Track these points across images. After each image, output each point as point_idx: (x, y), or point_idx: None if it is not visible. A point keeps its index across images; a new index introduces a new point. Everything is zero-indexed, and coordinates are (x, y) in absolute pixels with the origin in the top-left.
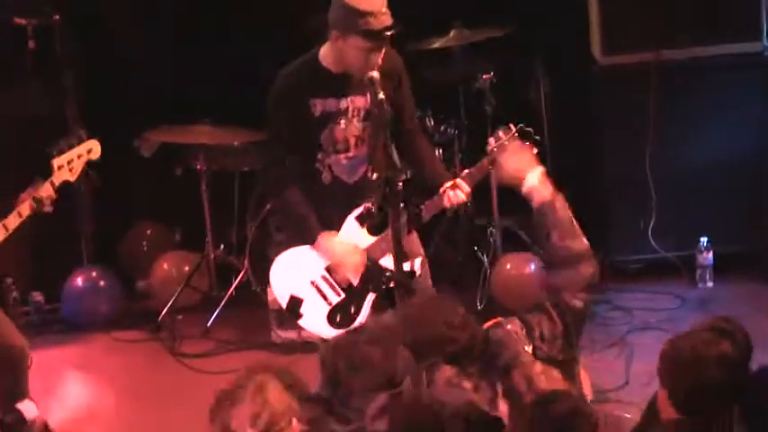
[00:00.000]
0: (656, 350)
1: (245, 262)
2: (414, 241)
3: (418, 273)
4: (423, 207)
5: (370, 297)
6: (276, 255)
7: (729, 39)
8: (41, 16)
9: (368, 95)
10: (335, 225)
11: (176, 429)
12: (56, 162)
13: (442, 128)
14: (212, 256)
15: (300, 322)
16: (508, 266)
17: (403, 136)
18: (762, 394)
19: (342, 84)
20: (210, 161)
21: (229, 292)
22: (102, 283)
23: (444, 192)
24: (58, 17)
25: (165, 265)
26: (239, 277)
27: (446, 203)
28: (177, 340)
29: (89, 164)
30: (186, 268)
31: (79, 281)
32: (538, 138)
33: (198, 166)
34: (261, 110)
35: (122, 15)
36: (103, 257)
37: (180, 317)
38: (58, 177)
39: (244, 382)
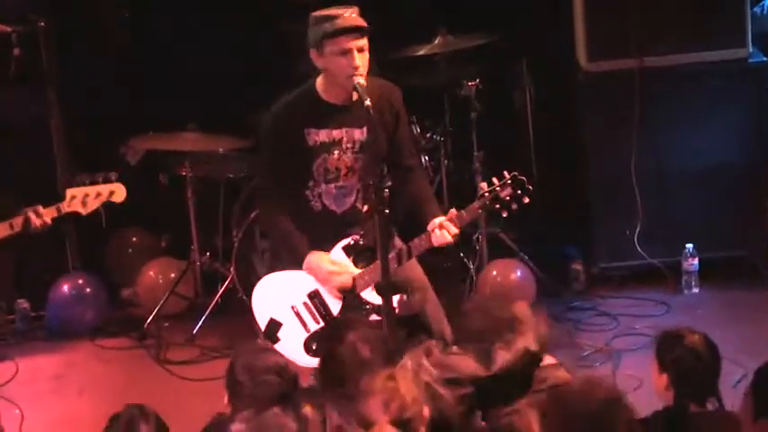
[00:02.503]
0: (642, 356)
1: (231, 269)
2: (414, 267)
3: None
4: (410, 244)
5: None
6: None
7: (714, 45)
8: (26, 24)
9: (364, 128)
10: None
11: None
12: (70, 191)
13: (428, 135)
14: (198, 263)
15: (277, 346)
16: (494, 273)
17: (401, 171)
18: None
19: (338, 115)
20: (196, 168)
21: (215, 300)
22: (87, 290)
23: (432, 231)
24: (43, 24)
25: (151, 273)
26: (225, 284)
27: (433, 242)
28: (163, 347)
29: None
30: (172, 275)
31: (65, 288)
32: (530, 187)
33: (183, 173)
34: (245, 118)
35: (108, 22)
36: (89, 264)
37: (166, 324)
38: (68, 206)
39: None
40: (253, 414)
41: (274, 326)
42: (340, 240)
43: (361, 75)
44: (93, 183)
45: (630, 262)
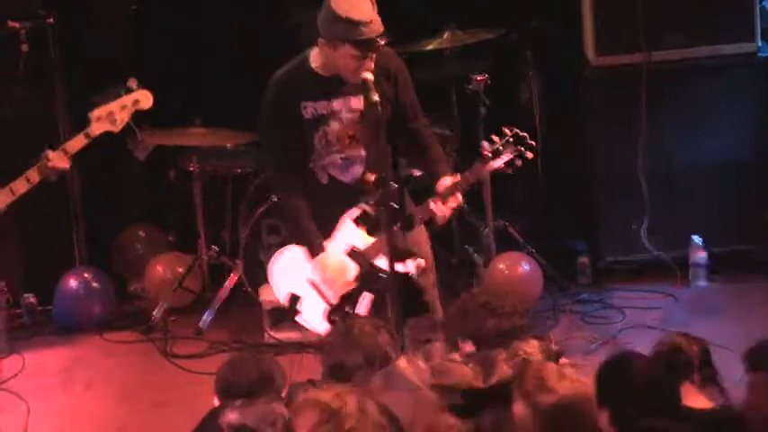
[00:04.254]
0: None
1: (238, 263)
2: (420, 235)
3: (412, 273)
4: (413, 212)
5: (366, 296)
6: (268, 256)
7: (722, 40)
8: (35, 20)
9: (362, 97)
10: (334, 224)
11: (169, 430)
12: (94, 113)
13: (436, 129)
14: (205, 257)
15: (298, 318)
16: (502, 266)
17: (407, 135)
18: None
19: (333, 86)
20: (203, 164)
21: (222, 294)
22: (94, 284)
23: (429, 203)
24: (51, 21)
25: (159, 267)
26: (232, 278)
27: (434, 211)
28: (170, 341)
29: (138, 115)
30: (179, 269)
31: (72, 282)
32: (533, 143)
33: (191, 169)
34: (253, 113)
35: (115, 19)
36: (97, 259)
37: (173, 318)
38: (97, 128)
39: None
40: (245, 403)
41: (294, 299)
42: (350, 211)
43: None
44: (116, 96)
45: (637, 256)
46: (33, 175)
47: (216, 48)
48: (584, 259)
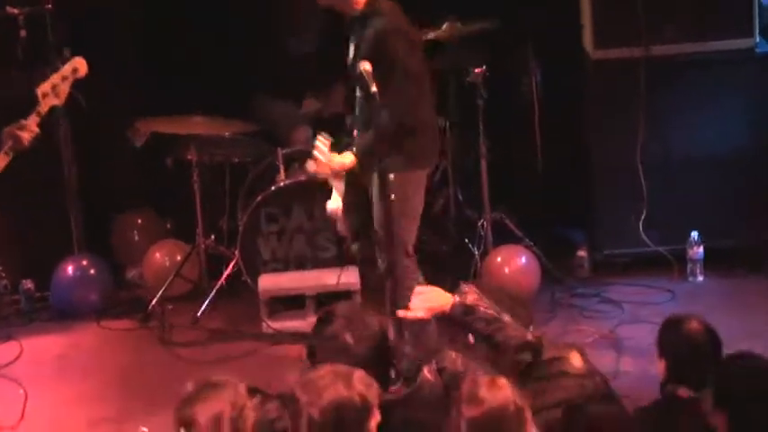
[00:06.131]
0: (645, 343)
1: (236, 252)
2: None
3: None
4: None
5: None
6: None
7: (721, 35)
8: (33, 5)
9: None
10: None
11: (165, 417)
12: (40, 90)
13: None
14: (203, 246)
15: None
16: (499, 259)
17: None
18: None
19: None
20: (202, 152)
21: (220, 282)
22: (92, 271)
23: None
24: (50, 6)
25: (157, 255)
26: (230, 267)
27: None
28: (167, 329)
29: (75, 84)
30: (177, 258)
31: (69, 269)
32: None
33: (189, 157)
34: (250, 102)
35: (114, 5)
36: (94, 246)
37: (170, 306)
38: (45, 105)
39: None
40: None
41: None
42: None
43: None
44: (54, 70)
45: (635, 249)
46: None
47: (215, 36)
48: (581, 252)
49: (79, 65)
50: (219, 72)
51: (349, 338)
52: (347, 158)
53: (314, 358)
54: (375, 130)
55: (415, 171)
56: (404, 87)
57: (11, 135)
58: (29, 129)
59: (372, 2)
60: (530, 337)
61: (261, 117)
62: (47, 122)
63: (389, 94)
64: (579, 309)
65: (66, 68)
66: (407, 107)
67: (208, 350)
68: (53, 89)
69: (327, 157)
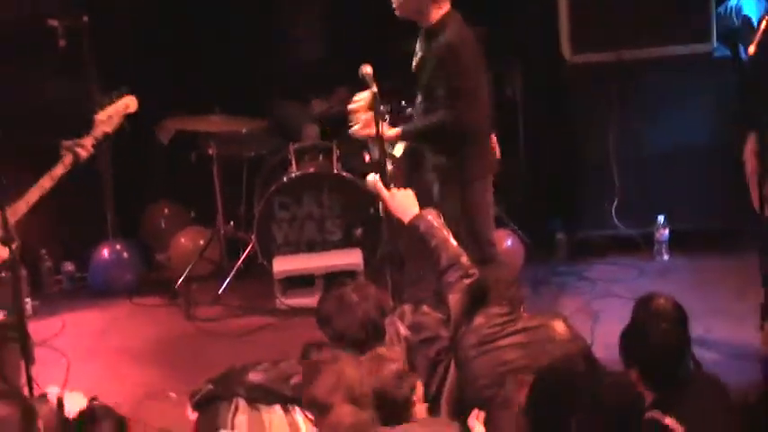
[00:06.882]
0: (617, 315)
1: (253, 237)
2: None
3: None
4: None
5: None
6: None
7: (684, 40)
8: (71, 18)
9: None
10: None
11: (189, 383)
12: (98, 117)
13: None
14: (223, 231)
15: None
16: None
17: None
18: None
19: None
20: (221, 147)
21: (238, 264)
22: (125, 254)
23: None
24: (86, 19)
25: (182, 240)
26: (247, 250)
27: None
28: (192, 306)
29: (126, 117)
30: (200, 242)
31: (105, 252)
32: None
33: (210, 152)
34: (264, 100)
35: (141, 13)
36: (127, 232)
37: (194, 285)
38: (99, 131)
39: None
40: (270, 365)
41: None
42: None
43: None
44: (111, 103)
45: (608, 232)
46: (47, 180)
47: (232, 40)
48: (560, 236)
49: (131, 102)
50: (238, 75)
51: (354, 297)
52: (392, 131)
53: (325, 324)
54: (432, 121)
55: (488, 176)
56: (470, 97)
57: (70, 150)
58: (86, 148)
59: (446, 16)
60: (464, 260)
61: (274, 115)
62: (82, 124)
63: (459, 103)
64: (559, 286)
65: (121, 103)
66: (473, 114)
67: (228, 324)
68: (108, 119)
69: (370, 116)
